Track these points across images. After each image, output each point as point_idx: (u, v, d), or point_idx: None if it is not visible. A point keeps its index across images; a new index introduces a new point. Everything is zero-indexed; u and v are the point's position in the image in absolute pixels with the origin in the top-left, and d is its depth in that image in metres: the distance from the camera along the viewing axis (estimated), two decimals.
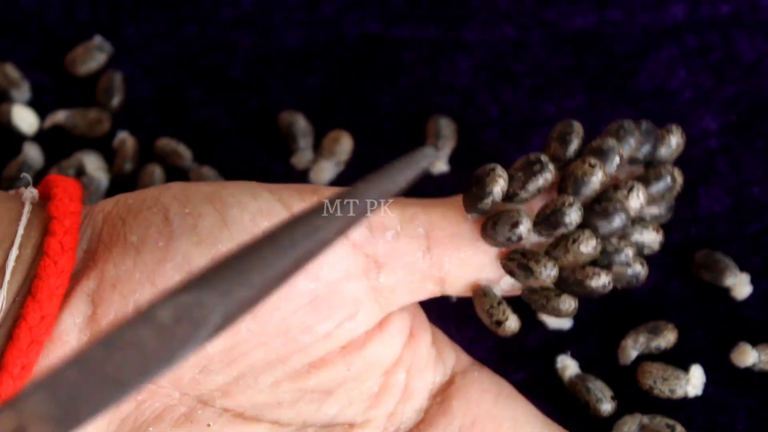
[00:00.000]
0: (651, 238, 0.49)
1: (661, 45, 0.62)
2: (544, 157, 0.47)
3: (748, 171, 0.59)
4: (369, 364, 0.48)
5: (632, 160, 0.49)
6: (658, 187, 0.49)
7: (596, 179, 0.47)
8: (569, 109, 0.61)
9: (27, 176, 0.51)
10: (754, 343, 0.55)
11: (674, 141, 0.50)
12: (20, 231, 0.47)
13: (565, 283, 0.47)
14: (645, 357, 0.55)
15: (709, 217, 0.58)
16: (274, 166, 0.60)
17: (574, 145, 0.48)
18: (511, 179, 0.47)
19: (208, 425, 0.47)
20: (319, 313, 0.47)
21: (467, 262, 0.47)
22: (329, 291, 0.47)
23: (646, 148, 0.49)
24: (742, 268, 0.57)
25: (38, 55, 0.63)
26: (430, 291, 0.48)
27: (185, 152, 0.60)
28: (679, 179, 0.49)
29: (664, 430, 0.53)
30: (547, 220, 0.46)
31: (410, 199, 0.49)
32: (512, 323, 0.48)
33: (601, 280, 0.47)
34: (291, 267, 0.39)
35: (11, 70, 0.62)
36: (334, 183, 0.60)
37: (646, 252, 0.49)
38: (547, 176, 0.47)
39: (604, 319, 0.56)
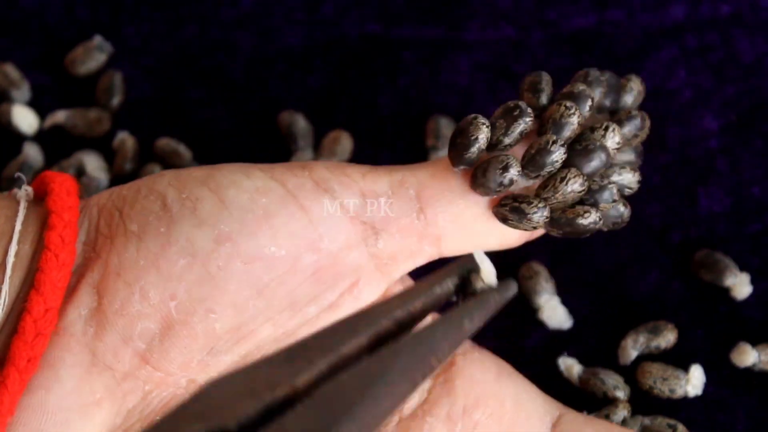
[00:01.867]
0: (629, 178, 0.50)
1: (661, 45, 0.62)
2: (522, 103, 0.48)
3: (748, 171, 0.59)
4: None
5: (599, 109, 0.51)
6: (630, 126, 0.50)
7: (574, 119, 0.48)
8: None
9: (22, 175, 0.51)
10: (754, 343, 0.55)
11: (635, 88, 0.51)
12: (18, 227, 0.47)
13: (557, 224, 0.48)
14: (645, 357, 0.55)
15: (709, 217, 0.58)
16: None
17: (546, 92, 0.49)
18: (492, 128, 0.48)
19: None
20: (323, 283, 0.47)
21: (460, 216, 0.48)
22: (331, 261, 0.47)
23: (610, 97, 0.51)
24: (742, 268, 0.57)
25: (38, 55, 0.63)
26: (428, 253, 0.49)
27: (185, 152, 0.60)
28: (647, 123, 0.50)
29: (666, 431, 0.53)
30: (533, 160, 0.47)
31: (395, 166, 0.49)
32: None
33: (591, 218, 0.48)
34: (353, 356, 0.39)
35: (11, 70, 0.62)
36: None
37: (626, 192, 0.50)
38: (527, 120, 0.48)
39: (604, 319, 0.56)
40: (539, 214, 0.47)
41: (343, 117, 0.61)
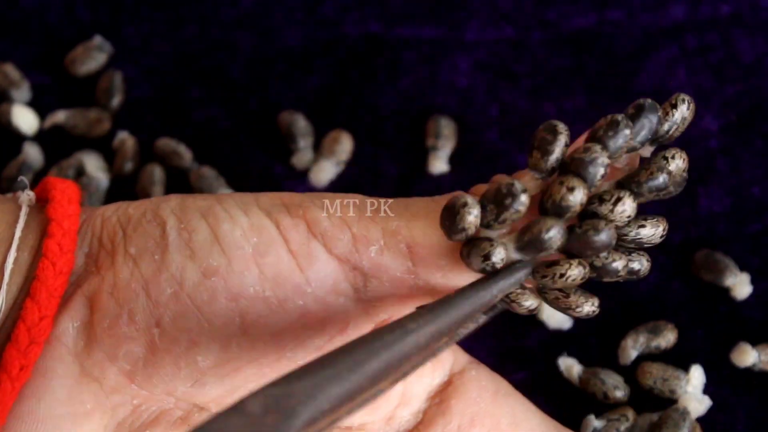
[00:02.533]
0: (650, 233, 0.46)
1: (661, 45, 0.62)
2: (516, 186, 0.44)
3: (748, 171, 0.59)
4: None
5: (630, 150, 0.46)
6: (650, 186, 0.45)
7: (575, 200, 0.44)
8: (569, 109, 0.61)
9: (24, 179, 0.51)
10: (754, 343, 0.55)
11: (678, 116, 0.46)
12: (18, 233, 0.47)
13: (549, 303, 0.46)
14: (645, 357, 0.55)
15: (709, 217, 0.58)
16: (274, 166, 0.60)
17: (556, 154, 0.45)
18: (483, 209, 0.44)
19: None
20: (310, 328, 0.46)
21: (453, 280, 0.47)
22: (318, 306, 0.46)
23: (644, 134, 0.46)
24: (742, 268, 0.57)
25: (38, 55, 0.63)
26: (421, 300, 0.47)
27: (185, 152, 0.60)
28: (678, 165, 0.46)
29: (674, 413, 0.52)
30: (527, 246, 0.44)
31: (396, 204, 0.48)
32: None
33: (584, 311, 0.46)
34: (382, 369, 0.40)
35: (11, 70, 0.62)
36: (334, 183, 0.60)
37: (646, 246, 0.46)
38: (518, 208, 0.44)
39: (604, 319, 0.56)
40: (528, 304, 0.46)
41: (343, 117, 0.61)
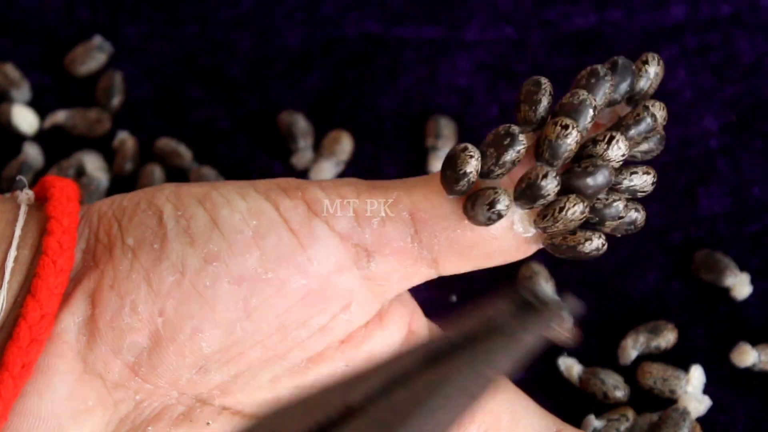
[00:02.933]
0: (641, 181, 0.47)
1: (661, 45, 0.62)
2: (513, 128, 0.46)
3: (748, 171, 0.59)
4: (368, 359, 0.48)
5: (611, 102, 0.47)
6: (638, 129, 0.47)
7: (570, 140, 0.45)
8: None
9: (23, 178, 0.51)
10: (754, 343, 0.55)
11: (652, 71, 0.48)
12: (17, 232, 0.47)
13: (558, 250, 0.46)
14: (645, 357, 0.55)
15: (709, 217, 0.58)
16: (274, 166, 0.60)
17: (544, 104, 0.47)
18: (483, 155, 0.46)
19: (208, 423, 0.47)
20: (313, 307, 0.47)
21: (457, 242, 0.47)
22: (321, 285, 0.47)
23: (623, 87, 0.47)
24: (742, 268, 0.57)
25: (38, 55, 0.63)
26: (425, 274, 0.48)
27: (185, 152, 0.60)
28: (660, 113, 0.47)
29: (674, 413, 0.53)
30: (524, 194, 0.45)
31: (393, 181, 0.48)
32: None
33: (593, 244, 0.46)
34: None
35: (11, 70, 0.62)
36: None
37: (639, 195, 0.47)
38: (518, 148, 0.45)
39: (604, 319, 0.56)
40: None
41: (343, 117, 0.61)
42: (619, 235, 0.48)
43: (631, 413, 0.53)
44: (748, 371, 0.55)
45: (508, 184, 0.46)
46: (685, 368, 0.54)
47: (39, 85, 0.62)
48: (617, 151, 0.46)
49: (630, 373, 0.55)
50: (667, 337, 0.55)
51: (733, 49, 0.62)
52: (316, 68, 0.62)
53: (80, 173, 0.60)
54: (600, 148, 0.46)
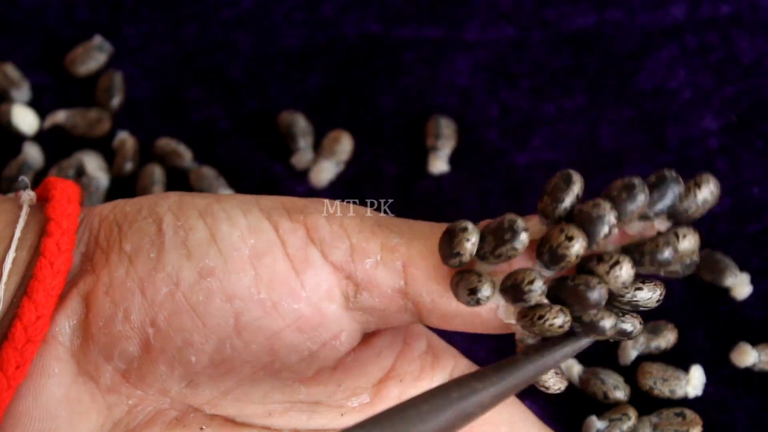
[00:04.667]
0: (647, 297, 0.45)
1: (661, 45, 0.62)
2: (518, 225, 0.44)
3: (748, 171, 0.59)
4: (360, 379, 0.48)
5: (644, 217, 0.44)
6: (653, 259, 0.44)
7: (572, 252, 0.43)
8: (569, 109, 0.61)
9: (25, 179, 0.51)
10: (754, 343, 0.55)
11: (701, 196, 0.44)
12: (17, 233, 0.47)
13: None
14: (645, 357, 0.55)
15: (709, 217, 0.58)
16: (274, 166, 0.60)
17: (566, 204, 0.44)
18: (482, 239, 0.44)
19: (201, 429, 0.47)
20: (304, 333, 0.46)
21: (441, 307, 0.46)
22: (312, 311, 0.46)
23: (661, 206, 0.44)
24: (742, 268, 0.57)
25: (38, 55, 0.63)
26: (407, 320, 0.48)
27: (185, 152, 0.60)
28: (687, 245, 0.44)
29: (675, 420, 0.53)
30: (508, 291, 0.44)
31: (399, 223, 0.48)
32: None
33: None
34: (444, 426, 0.41)
35: (11, 70, 0.62)
36: (334, 183, 0.60)
37: (641, 310, 0.45)
38: (516, 246, 0.44)
39: None
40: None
41: (343, 117, 0.61)
42: (611, 342, 0.48)
43: (632, 412, 0.53)
44: (748, 371, 0.55)
45: (506, 269, 0.45)
46: (685, 368, 0.54)
47: (39, 85, 0.62)
48: (619, 277, 0.44)
49: (630, 373, 0.55)
50: (667, 337, 0.55)
51: (733, 49, 0.62)
52: (316, 68, 0.62)
53: (80, 173, 0.60)
54: (602, 268, 0.44)
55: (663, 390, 0.54)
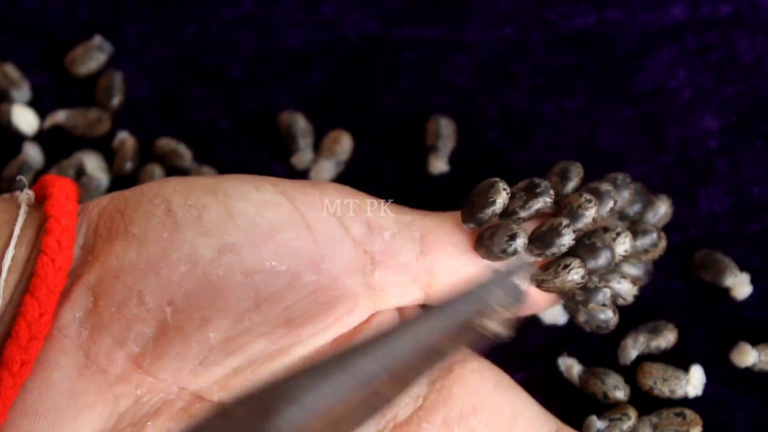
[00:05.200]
0: (627, 288, 0.50)
1: (661, 45, 0.62)
2: (546, 183, 0.49)
3: (748, 171, 0.59)
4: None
5: (620, 215, 0.51)
6: (643, 240, 0.51)
7: (591, 213, 0.48)
8: (569, 109, 0.61)
9: (23, 178, 0.51)
10: (754, 343, 0.55)
11: (662, 209, 0.53)
12: (16, 231, 0.47)
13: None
14: (645, 357, 0.55)
15: (709, 217, 0.58)
16: (274, 166, 0.60)
17: (573, 182, 0.50)
18: (512, 197, 0.48)
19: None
20: (321, 305, 0.47)
21: (456, 271, 0.48)
22: (330, 284, 0.47)
23: (636, 207, 0.52)
24: (742, 268, 0.56)
25: (38, 55, 0.63)
26: (415, 296, 0.49)
27: (185, 152, 0.60)
28: (663, 243, 0.51)
29: (675, 420, 0.53)
30: (542, 237, 0.48)
31: (407, 209, 0.49)
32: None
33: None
34: (375, 369, 0.41)
35: (11, 70, 0.62)
36: (334, 183, 0.60)
37: (619, 302, 0.51)
38: (546, 199, 0.48)
39: None
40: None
41: (343, 117, 0.61)
42: (588, 330, 0.51)
43: (632, 412, 0.53)
44: (748, 371, 0.55)
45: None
46: (685, 368, 0.54)
47: (39, 85, 0.62)
48: (622, 245, 0.49)
49: (630, 373, 0.55)
50: (667, 337, 0.55)
51: (733, 49, 0.62)
52: (316, 68, 0.62)
53: (80, 173, 0.60)
54: (608, 236, 0.49)
55: (663, 390, 0.54)
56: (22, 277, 0.47)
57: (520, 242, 0.47)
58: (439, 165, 0.60)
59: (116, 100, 0.61)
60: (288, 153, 0.60)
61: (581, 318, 0.50)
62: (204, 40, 0.63)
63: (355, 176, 0.60)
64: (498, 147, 0.60)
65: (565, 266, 0.48)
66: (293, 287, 0.46)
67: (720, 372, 0.55)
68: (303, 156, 0.60)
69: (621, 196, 0.51)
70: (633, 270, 0.51)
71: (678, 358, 0.55)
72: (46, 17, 0.63)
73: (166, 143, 0.60)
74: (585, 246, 0.49)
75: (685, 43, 0.62)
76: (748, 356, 0.54)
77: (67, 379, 0.46)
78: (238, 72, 0.62)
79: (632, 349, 0.55)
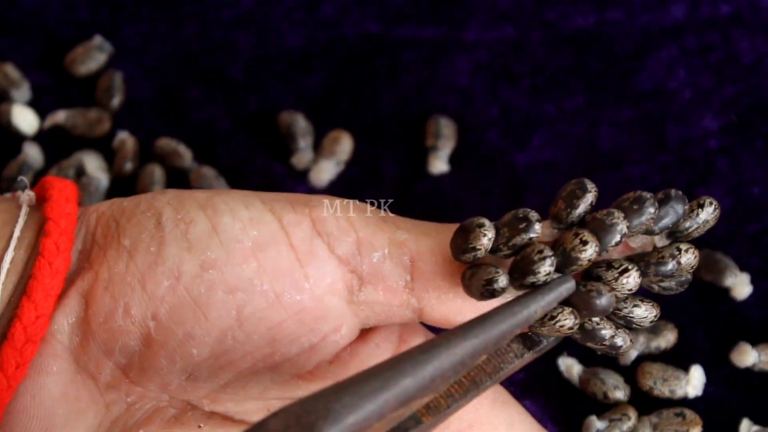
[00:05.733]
0: (642, 314, 0.46)
1: (661, 45, 0.62)
2: (532, 215, 0.45)
3: (748, 171, 0.59)
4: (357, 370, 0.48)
5: (648, 232, 0.46)
6: (657, 270, 0.46)
7: (585, 256, 0.44)
8: (569, 109, 0.61)
9: (24, 179, 0.51)
10: (754, 343, 0.55)
11: (703, 216, 0.47)
12: (16, 233, 0.47)
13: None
14: (645, 357, 0.55)
15: None
16: (274, 166, 0.60)
17: (580, 210, 0.45)
18: (497, 231, 0.45)
19: (199, 426, 0.47)
20: (305, 325, 0.47)
21: (446, 303, 0.47)
22: (315, 304, 0.46)
23: (666, 222, 0.46)
24: (742, 268, 0.57)
25: (38, 55, 0.63)
26: (407, 317, 0.48)
27: (185, 152, 0.60)
28: (688, 260, 0.46)
29: (675, 420, 0.53)
30: (516, 266, 0.45)
31: (405, 220, 0.48)
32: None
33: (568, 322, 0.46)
34: (413, 387, 0.41)
35: (11, 70, 0.62)
36: (334, 183, 0.60)
37: (634, 327, 0.47)
38: (531, 235, 0.45)
39: None
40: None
41: (343, 117, 0.61)
42: (599, 354, 0.48)
43: (632, 412, 0.53)
44: (748, 371, 0.55)
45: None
46: (685, 368, 0.54)
47: (39, 85, 0.62)
48: (626, 285, 0.45)
49: (630, 373, 0.55)
50: (667, 337, 0.55)
51: (733, 49, 0.62)
52: (316, 68, 0.62)
53: (80, 173, 0.60)
54: (611, 274, 0.45)
55: (663, 390, 0.54)
56: (20, 279, 0.47)
57: (498, 287, 0.44)
58: (439, 165, 0.60)
59: (116, 100, 0.61)
60: (288, 153, 0.60)
61: (589, 344, 0.47)
62: (204, 40, 0.63)
63: (355, 176, 0.60)
64: (498, 147, 0.60)
65: (552, 318, 0.45)
66: (276, 306, 0.46)
67: (720, 372, 0.55)
68: (303, 156, 0.60)
69: (638, 220, 0.45)
70: (664, 282, 0.47)
71: (678, 358, 0.55)
72: (46, 17, 0.63)
73: (166, 143, 0.60)
74: (579, 293, 0.45)
75: (685, 43, 0.62)
76: (748, 356, 0.54)
77: (60, 384, 0.46)
78: (238, 72, 0.62)
79: (632, 349, 0.55)
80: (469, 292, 0.46)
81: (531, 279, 0.45)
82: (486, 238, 0.45)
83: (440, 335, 0.43)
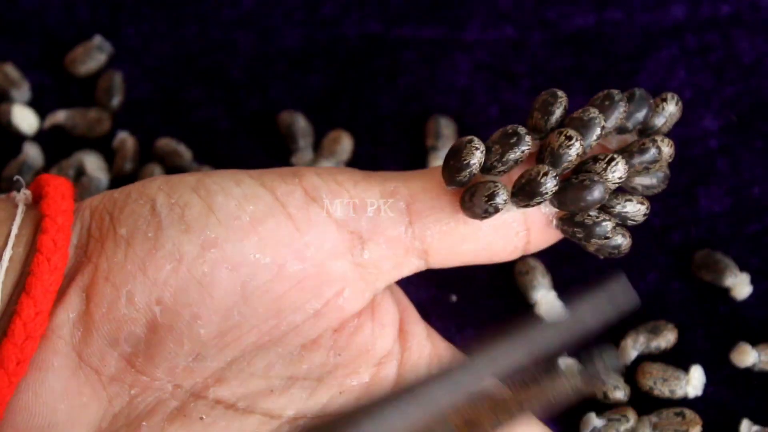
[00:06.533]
0: (634, 209, 0.48)
1: (661, 45, 0.62)
2: (521, 129, 0.47)
3: (748, 171, 0.59)
4: (359, 352, 0.49)
5: (621, 129, 0.49)
6: (641, 159, 0.48)
7: (573, 152, 0.46)
8: (569, 109, 0.61)
9: (20, 178, 0.51)
10: (754, 343, 0.55)
11: (669, 110, 0.50)
12: (14, 230, 0.47)
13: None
14: (645, 357, 0.55)
15: (709, 217, 0.58)
16: (274, 166, 0.60)
17: (556, 115, 0.48)
18: (488, 151, 0.47)
19: (201, 418, 0.47)
20: (308, 291, 0.47)
21: (449, 234, 0.48)
22: (316, 270, 0.47)
23: (637, 117, 0.49)
24: (742, 268, 0.57)
25: (38, 55, 0.63)
26: (415, 265, 0.49)
27: (185, 152, 0.60)
28: (667, 149, 0.48)
29: (675, 420, 0.53)
30: (522, 189, 0.46)
31: (391, 173, 0.49)
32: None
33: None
34: (440, 411, 0.41)
35: (11, 70, 0.62)
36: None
37: (629, 223, 0.48)
38: (523, 148, 0.47)
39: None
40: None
41: (343, 117, 0.61)
42: (602, 258, 0.49)
43: (632, 414, 0.53)
44: (748, 371, 0.55)
45: (507, 182, 0.47)
46: (685, 368, 0.54)
47: (39, 85, 0.62)
48: (615, 172, 0.47)
49: (630, 373, 0.55)
50: (667, 337, 0.55)
51: (733, 49, 0.62)
52: (316, 68, 0.62)
53: (80, 173, 0.60)
54: (599, 166, 0.47)
55: (663, 390, 0.54)
56: (19, 276, 0.47)
57: (500, 200, 0.46)
58: (439, 164, 0.60)
59: (116, 100, 0.61)
60: (288, 153, 0.60)
61: (591, 248, 0.48)
62: (204, 40, 0.63)
63: None
64: None
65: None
66: (279, 278, 0.47)
67: (720, 372, 0.55)
68: (303, 156, 0.60)
69: (613, 115, 0.48)
70: (646, 180, 0.49)
71: (678, 358, 0.55)
72: (46, 17, 0.63)
73: (166, 143, 0.60)
74: (572, 186, 0.46)
75: (685, 43, 0.62)
76: (748, 356, 0.54)
77: (61, 380, 0.46)
78: (238, 72, 0.62)
79: (632, 349, 0.55)
80: (472, 213, 0.47)
81: (538, 199, 0.46)
82: (479, 152, 0.46)
83: (477, 354, 0.43)
